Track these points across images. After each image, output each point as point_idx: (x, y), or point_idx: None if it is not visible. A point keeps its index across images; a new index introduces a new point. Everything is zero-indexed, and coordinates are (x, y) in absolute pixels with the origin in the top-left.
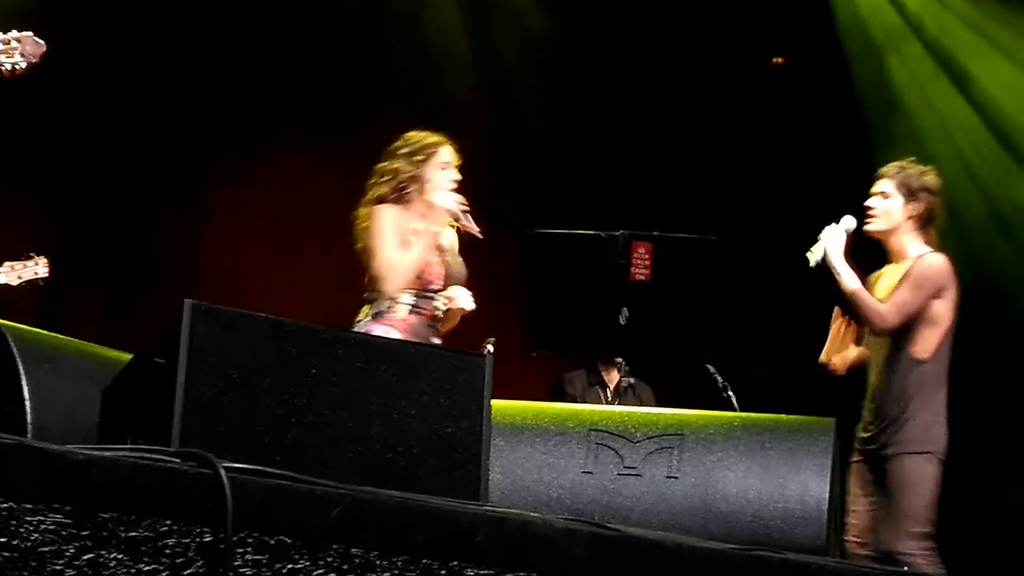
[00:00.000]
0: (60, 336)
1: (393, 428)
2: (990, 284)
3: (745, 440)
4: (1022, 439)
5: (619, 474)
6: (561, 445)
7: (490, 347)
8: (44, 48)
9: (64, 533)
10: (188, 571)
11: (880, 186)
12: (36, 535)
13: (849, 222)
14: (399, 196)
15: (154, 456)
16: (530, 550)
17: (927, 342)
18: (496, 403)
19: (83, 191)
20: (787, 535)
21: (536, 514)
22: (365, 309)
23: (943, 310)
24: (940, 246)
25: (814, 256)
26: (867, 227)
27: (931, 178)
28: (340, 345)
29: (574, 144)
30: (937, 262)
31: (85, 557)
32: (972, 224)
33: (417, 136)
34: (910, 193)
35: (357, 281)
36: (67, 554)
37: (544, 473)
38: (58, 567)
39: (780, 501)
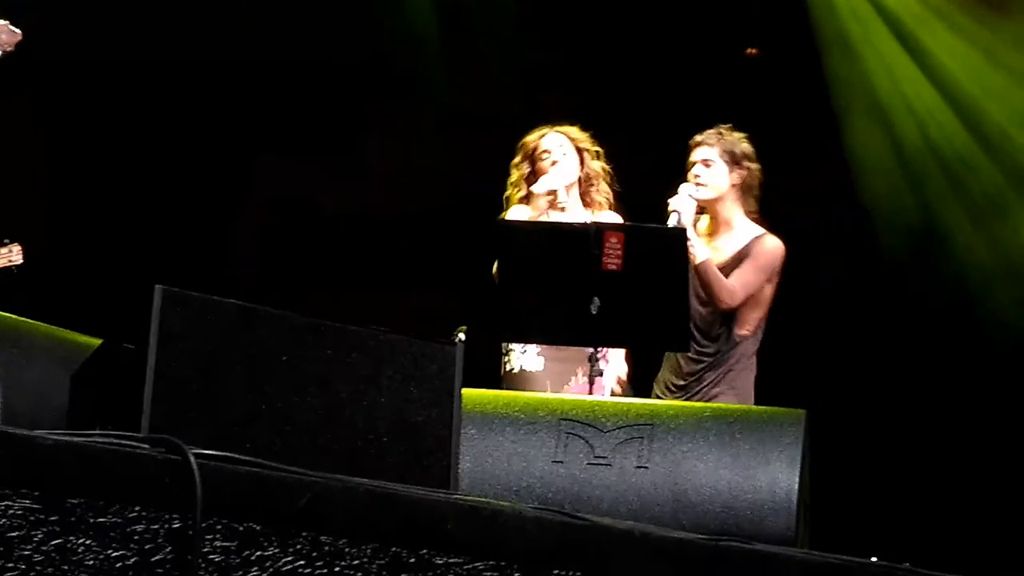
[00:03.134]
0: (28, 320)
1: (363, 416)
2: (956, 267)
3: (715, 431)
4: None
5: (589, 463)
6: (531, 434)
7: (461, 336)
8: (20, 37)
9: (32, 518)
10: (157, 557)
11: (701, 154)
12: (4, 520)
13: (690, 188)
14: (510, 191)
15: (123, 442)
16: (500, 539)
17: (751, 320)
18: (467, 392)
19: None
20: (756, 525)
21: (506, 503)
22: None
23: (769, 293)
24: (759, 216)
25: (670, 221)
26: (695, 195)
27: (748, 145)
28: (311, 332)
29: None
30: (779, 247)
31: (53, 543)
32: (936, 204)
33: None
34: (734, 160)
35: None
36: (35, 539)
37: (514, 462)
38: (26, 552)
39: (750, 492)
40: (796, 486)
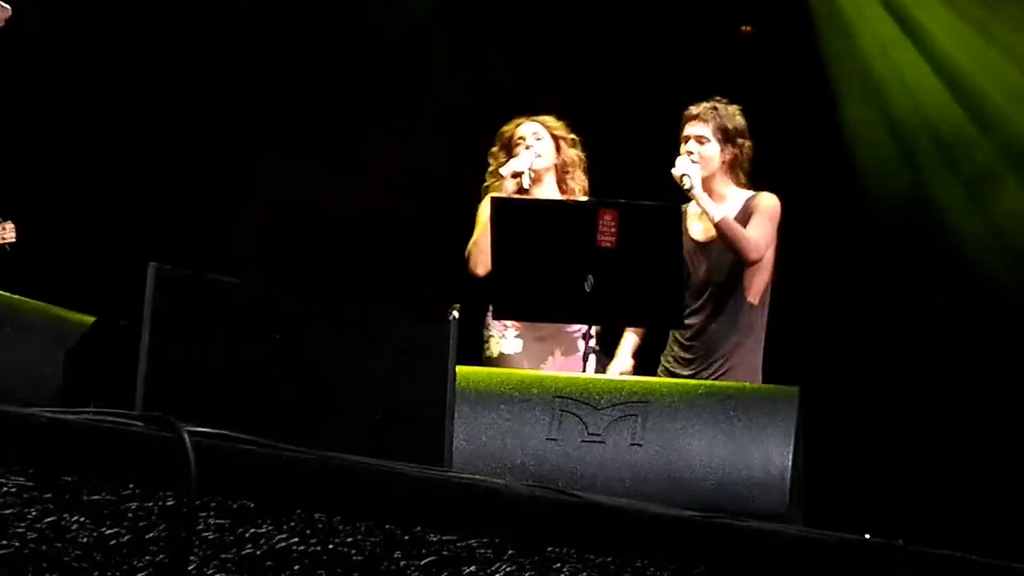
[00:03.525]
0: (23, 298)
1: (358, 394)
2: (949, 239)
3: (709, 408)
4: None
5: (583, 441)
6: (525, 412)
7: (455, 313)
8: (9, 13)
9: (26, 496)
10: (151, 535)
11: (695, 129)
12: None
13: (687, 161)
14: (491, 181)
15: (117, 419)
16: (494, 516)
17: (757, 287)
18: (461, 369)
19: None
20: (750, 503)
21: (500, 480)
22: None
23: (771, 256)
24: (750, 187)
25: (685, 184)
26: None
27: (741, 119)
28: (304, 311)
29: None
30: (777, 202)
31: (47, 520)
32: (934, 183)
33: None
34: (727, 138)
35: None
36: (29, 517)
37: (508, 440)
38: (20, 530)
39: (743, 469)
40: (790, 463)
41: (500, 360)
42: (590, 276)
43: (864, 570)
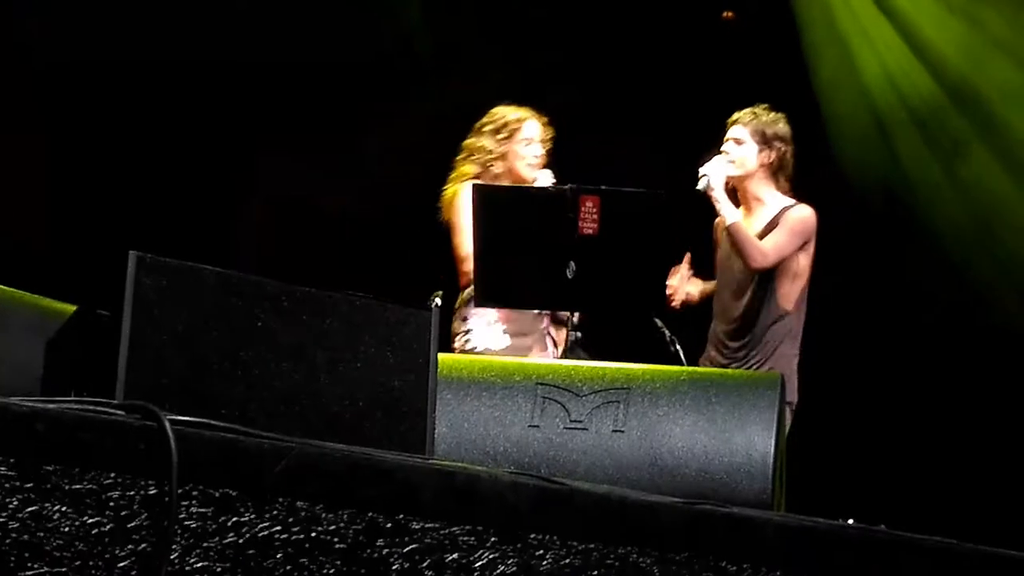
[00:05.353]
0: (2, 287)
1: (339, 382)
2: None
3: (691, 394)
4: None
5: (565, 428)
6: (507, 399)
7: (437, 301)
8: None
9: (7, 485)
10: (132, 523)
11: (734, 132)
12: None
13: (723, 160)
14: (484, 172)
15: (99, 408)
16: (476, 504)
17: (791, 294)
18: (443, 356)
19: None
20: (732, 489)
21: (482, 468)
22: (464, 294)
23: (806, 263)
24: (791, 194)
25: (700, 183)
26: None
27: (783, 126)
28: (286, 298)
29: (521, 98)
30: (809, 214)
31: (28, 509)
32: (909, 161)
33: (501, 111)
34: (764, 141)
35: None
36: (10, 506)
37: (490, 427)
38: (1, 519)
39: (726, 455)
40: (772, 449)
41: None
42: (572, 263)
43: (847, 555)
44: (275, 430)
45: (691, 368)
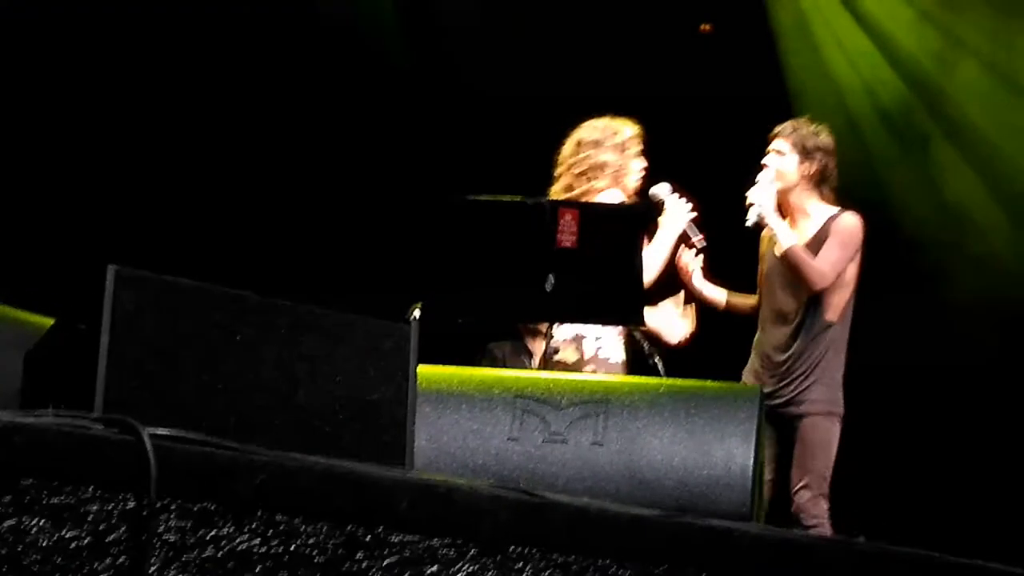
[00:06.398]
0: None
1: (319, 395)
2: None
3: (670, 407)
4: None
5: (544, 441)
6: (487, 411)
7: (416, 313)
8: None
9: None
10: (111, 537)
11: (775, 144)
12: None
13: (770, 174)
14: (591, 190)
15: (77, 422)
16: (455, 517)
17: (837, 304)
18: (422, 369)
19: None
20: (712, 501)
21: (462, 480)
22: None
23: (853, 272)
24: (836, 204)
25: (750, 217)
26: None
27: (825, 137)
28: (265, 311)
29: (498, 109)
30: (856, 222)
31: (6, 524)
32: (880, 160)
33: (613, 125)
34: (805, 152)
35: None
36: None
37: (470, 440)
38: None
39: (705, 468)
40: (751, 462)
41: (599, 363)
42: (551, 276)
43: (825, 568)
44: (254, 443)
45: (670, 380)
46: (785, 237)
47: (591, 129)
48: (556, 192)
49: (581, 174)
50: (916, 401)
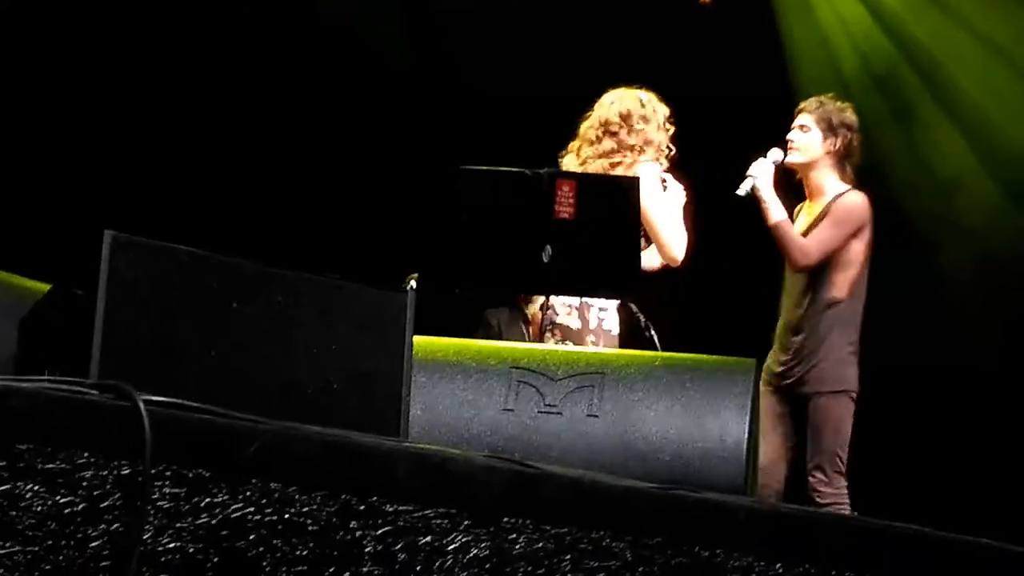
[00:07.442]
0: None
1: (314, 364)
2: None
3: (666, 379)
4: None
5: (539, 412)
6: (482, 382)
7: (412, 283)
8: None
9: None
10: (105, 503)
11: (800, 119)
12: None
13: (776, 154)
14: (634, 157)
15: (72, 388)
16: (450, 486)
17: (842, 281)
18: (418, 339)
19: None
20: (706, 474)
21: (456, 451)
22: None
23: (859, 250)
24: (857, 183)
25: (743, 187)
26: (786, 160)
27: (850, 114)
28: (262, 280)
29: (497, 83)
30: (858, 201)
31: (1, 489)
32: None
33: (655, 102)
34: (829, 128)
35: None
36: None
37: (464, 410)
38: None
39: (700, 440)
40: (746, 435)
41: (602, 339)
42: (548, 247)
43: (817, 542)
44: (249, 411)
45: (666, 353)
46: (775, 211)
47: (634, 101)
48: (589, 156)
49: (630, 147)
50: (911, 390)
